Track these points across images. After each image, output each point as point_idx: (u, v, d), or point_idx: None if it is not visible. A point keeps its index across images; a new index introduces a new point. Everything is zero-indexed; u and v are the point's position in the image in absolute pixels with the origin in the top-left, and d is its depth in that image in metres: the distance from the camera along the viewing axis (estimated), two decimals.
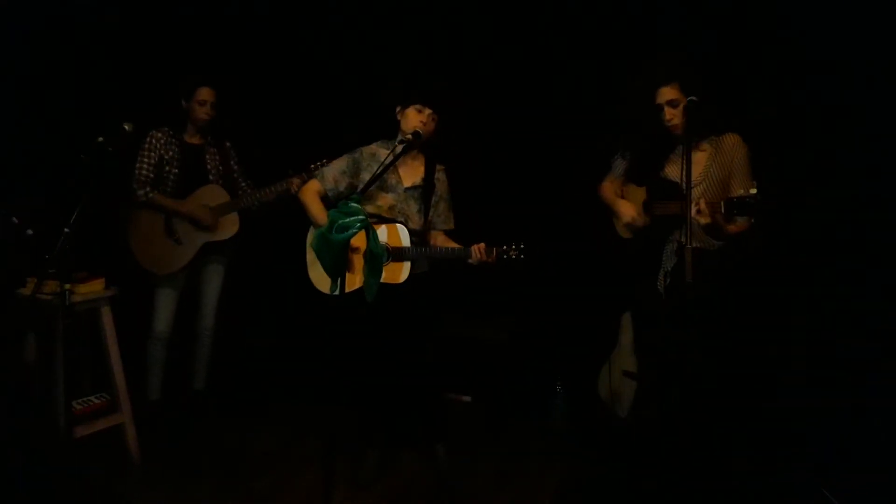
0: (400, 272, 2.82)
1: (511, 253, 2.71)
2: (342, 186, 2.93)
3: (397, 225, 2.84)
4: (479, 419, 3.72)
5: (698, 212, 2.49)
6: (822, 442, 2.99)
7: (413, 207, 2.93)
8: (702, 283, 2.63)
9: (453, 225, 3.04)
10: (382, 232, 2.83)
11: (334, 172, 2.95)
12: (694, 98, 2.59)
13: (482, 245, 2.73)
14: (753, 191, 2.37)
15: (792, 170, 3.02)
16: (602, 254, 3.41)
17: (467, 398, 3.89)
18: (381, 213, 2.90)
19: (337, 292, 2.51)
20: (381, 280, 2.76)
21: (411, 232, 2.84)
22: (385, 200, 2.91)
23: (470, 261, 2.75)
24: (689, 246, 2.29)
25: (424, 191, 2.94)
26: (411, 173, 2.96)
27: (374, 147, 2.95)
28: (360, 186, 2.89)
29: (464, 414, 3.75)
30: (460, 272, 2.89)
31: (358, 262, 2.82)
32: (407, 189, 2.93)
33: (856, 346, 3.01)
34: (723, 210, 2.46)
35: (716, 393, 2.81)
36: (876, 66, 2.93)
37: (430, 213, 2.96)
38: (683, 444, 2.73)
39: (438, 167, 3.01)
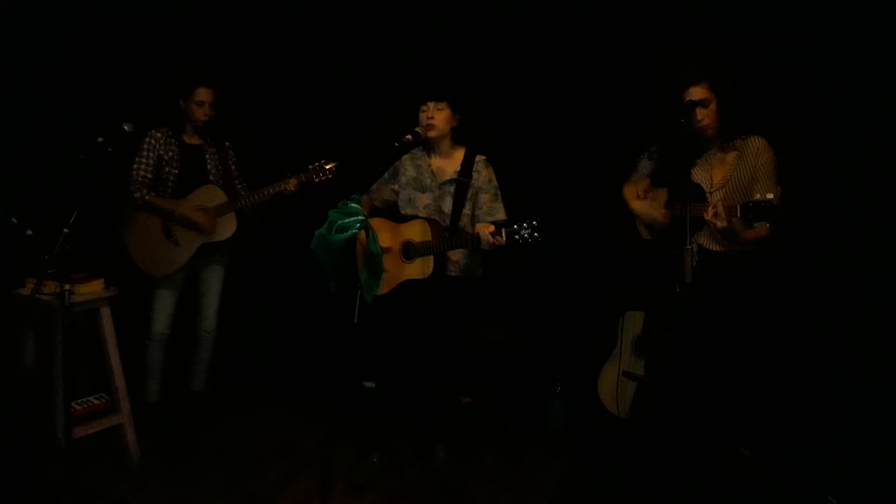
0: (417, 268, 2.82)
1: (523, 233, 2.61)
2: (386, 195, 3.05)
3: (423, 220, 2.85)
4: (479, 420, 3.72)
5: (715, 215, 2.48)
6: (829, 446, 2.98)
7: (448, 203, 2.92)
8: (717, 285, 2.64)
9: (503, 216, 2.93)
10: (408, 228, 2.85)
11: (378, 184, 3.04)
12: (693, 99, 2.60)
13: (490, 227, 2.68)
14: (770, 195, 2.34)
15: (810, 171, 2.95)
16: (611, 254, 3.40)
17: (467, 399, 3.89)
18: (418, 213, 2.91)
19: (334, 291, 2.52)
20: (406, 277, 2.80)
21: (447, 227, 2.85)
22: (422, 201, 2.93)
23: (482, 246, 2.70)
24: (689, 246, 2.30)
25: (459, 184, 2.91)
26: (447, 167, 2.95)
27: (413, 151, 2.97)
28: (399, 192, 2.98)
29: (463, 415, 3.74)
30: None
31: (390, 262, 2.82)
32: (442, 185, 2.93)
33: (864, 349, 3.00)
34: (738, 214, 2.44)
35: (720, 394, 2.81)
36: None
37: (469, 206, 2.92)
38: (683, 445, 2.73)
39: (479, 157, 2.95)
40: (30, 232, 2.93)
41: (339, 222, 2.39)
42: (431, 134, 2.86)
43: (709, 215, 2.50)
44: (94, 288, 2.99)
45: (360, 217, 2.42)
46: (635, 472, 2.98)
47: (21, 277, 2.97)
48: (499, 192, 2.97)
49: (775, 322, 3.04)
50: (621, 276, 3.37)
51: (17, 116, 3.64)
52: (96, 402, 3.11)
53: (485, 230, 2.68)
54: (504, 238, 2.65)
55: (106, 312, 3.04)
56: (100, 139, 2.69)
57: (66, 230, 2.52)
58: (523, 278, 3.75)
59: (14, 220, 2.95)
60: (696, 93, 2.67)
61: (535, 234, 2.60)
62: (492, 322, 3.89)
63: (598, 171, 3.34)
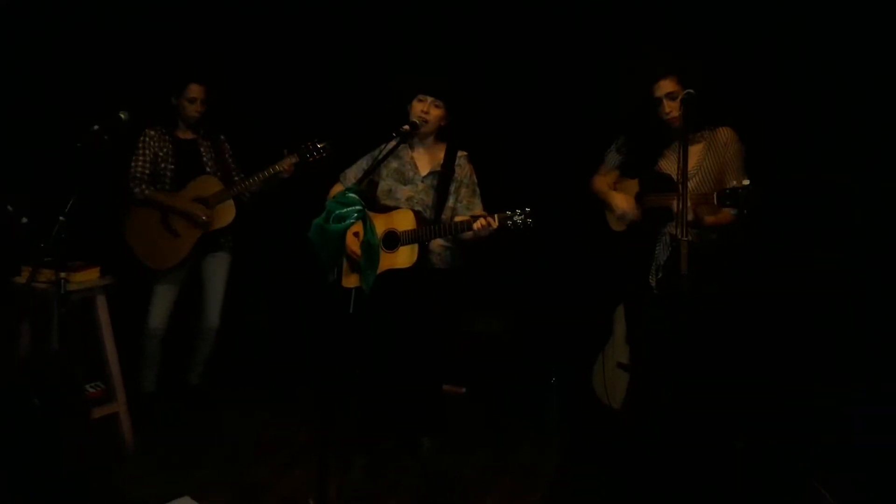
0: (403, 257, 2.81)
1: (516, 218, 2.62)
2: (363, 184, 2.97)
3: (406, 210, 2.84)
4: (473, 412, 3.73)
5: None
6: (815, 436, 3.00)
7: (432, 195, 2.92)
8: (695, 275, 2.65)
9: (481, 211, 2.93)
10: (391, 217, 2.84)
11: (355, 171, 3.01)
12: (691, 91, 2.59)
13: (484, 212, 2.69)
14: (746, 182, 2.40)
15: (784, 161, 3.03)
16: (594, 247, 3.42)
17: (462, 390, 3.90)
18: (399, 205, 2.91)
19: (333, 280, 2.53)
20: (391, 266, 2.78)
21: (428, 219, 2.84)
22: (404, 193, 2.93)
23: (474, 228, 2.67)
24: (684, 238, 2.30)
25: (441, 177, 2.92)
26: (430, 161, 2.95)
27: (392, 142, 2.96)
28: (379, 182, 2.94)
29: (457, 406, 3.75)
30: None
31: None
32: (424, 178, 2.94)
33: (850, 340, 3.03)
34: (715, 201, 2.48)
35: (708, 385, 2.82)
36: (869, 59, 2.94)
37: (451, 200, 2.93)
38: (676, 436, 2.74)
39: (460, 153, 2.98)
40: (26, 220, 2.92)
41: (337, 212, 2.39)
42: (423, 129, 2.86)
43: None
44: (90, 276, 2.99)
45: (357, 207, 2.42)
46: (629, 467, 2.99)
47: (17, 265, 2.96)
48: (477, 189, 3.00)
49: (754, 309, 3.08)
50: (613, 269, 3.38)
51: (13, 104, 3.62)
52: (92, 390, 3.10)
53: (480, 215, 2.66)
54: (497, 222, 2.64)
55: (102, 301, 3.04)
56: (95, 127, 2.68)
57: (62, 218, 2.51)
58: (522, 270, 3.76)
59: (10, 207, 2.94)
60: (666, 86, 2.71)
61: (528, 220, 2.61)
62: (489, 313, 3.90)
63: (574, 165, 3.36)
